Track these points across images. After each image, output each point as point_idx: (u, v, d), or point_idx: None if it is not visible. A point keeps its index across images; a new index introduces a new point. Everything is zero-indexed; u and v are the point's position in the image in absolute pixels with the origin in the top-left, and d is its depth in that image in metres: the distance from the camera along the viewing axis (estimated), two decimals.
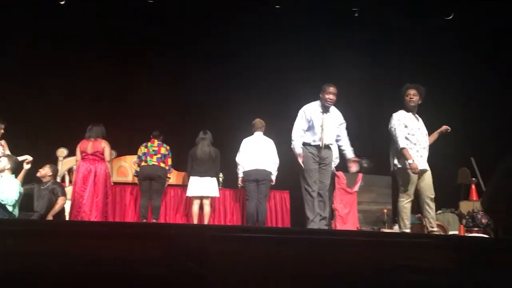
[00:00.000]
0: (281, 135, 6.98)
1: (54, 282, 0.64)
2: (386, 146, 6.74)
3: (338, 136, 5.21)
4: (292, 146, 5.08)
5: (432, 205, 4.83)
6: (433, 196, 4.82)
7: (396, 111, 5.02)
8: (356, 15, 7.44)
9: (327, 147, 5.05)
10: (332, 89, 5.03)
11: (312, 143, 5.02)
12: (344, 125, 5.25)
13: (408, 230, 4.76)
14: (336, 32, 7.75)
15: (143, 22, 7.83)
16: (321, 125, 5.00)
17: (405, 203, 4.82)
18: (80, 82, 8.01)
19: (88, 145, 5.97)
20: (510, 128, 6.98)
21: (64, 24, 7.61)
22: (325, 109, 5.08)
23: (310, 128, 5.04)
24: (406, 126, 4.88)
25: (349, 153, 5.19)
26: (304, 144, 5.07)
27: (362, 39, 7.83)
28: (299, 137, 5.06)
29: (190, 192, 6.54)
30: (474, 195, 6.40)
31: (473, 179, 6.51)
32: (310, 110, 5.09)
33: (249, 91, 8.07)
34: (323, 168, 5.05)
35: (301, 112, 5.14)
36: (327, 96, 5.02)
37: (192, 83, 8.18)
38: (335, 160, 5.81)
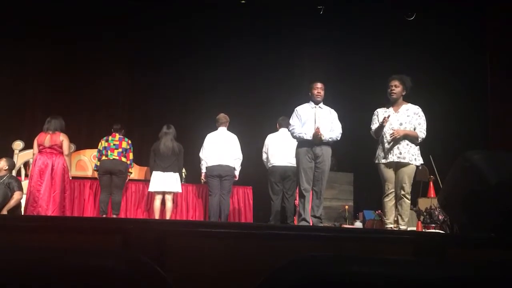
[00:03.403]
0: (245, 131, 7.00)
1: (9, 277, 0.61)
2: (348, 143, 6.86)
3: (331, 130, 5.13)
4: (301, 137, 5.01)
5: (402, 201, 4.60)
6: (403, 192, 4.57)
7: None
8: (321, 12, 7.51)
9: (322, 143, 4.96)
10: (319, 84, 5.14)
11: (305, 138, 4.97)
12: (336, 118, 5.19)
13: (389, 225, 4.64)
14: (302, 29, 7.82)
15: (104, 12, 7.64)
16: (314, 120, 5.02)
17: (384, 197, 4.69)
18: (39, 73, 7.76)
19: (46, 138, 5.79)
20: (467, 127, 7.20)
21: (19, 11, 7.32)
22: (317, 106, 5.14)
23: (304, 124, 5.04)
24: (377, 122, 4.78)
25: (326, 133, 4.99)
26: (299, 141, 5.08)
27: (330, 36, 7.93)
28: (300, 129, 5.03)
29: (152, 187, 6.45)
30: (432, 192, 6.54)
31: (431, 176, 6.67)
32: (302, 108, 5.16)
33: (214, 85, 8.02)
34: (318, 166, 4.96)
35: (294, 112, 5.20)
36: (315, 92, 5.11)
37: (155, 76, 8.06)
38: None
